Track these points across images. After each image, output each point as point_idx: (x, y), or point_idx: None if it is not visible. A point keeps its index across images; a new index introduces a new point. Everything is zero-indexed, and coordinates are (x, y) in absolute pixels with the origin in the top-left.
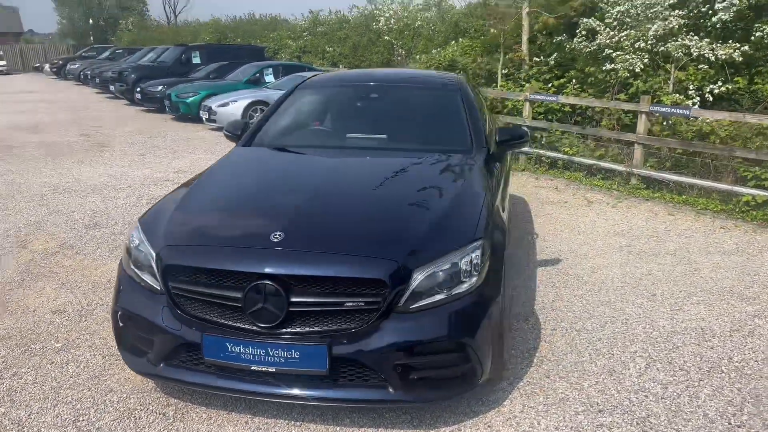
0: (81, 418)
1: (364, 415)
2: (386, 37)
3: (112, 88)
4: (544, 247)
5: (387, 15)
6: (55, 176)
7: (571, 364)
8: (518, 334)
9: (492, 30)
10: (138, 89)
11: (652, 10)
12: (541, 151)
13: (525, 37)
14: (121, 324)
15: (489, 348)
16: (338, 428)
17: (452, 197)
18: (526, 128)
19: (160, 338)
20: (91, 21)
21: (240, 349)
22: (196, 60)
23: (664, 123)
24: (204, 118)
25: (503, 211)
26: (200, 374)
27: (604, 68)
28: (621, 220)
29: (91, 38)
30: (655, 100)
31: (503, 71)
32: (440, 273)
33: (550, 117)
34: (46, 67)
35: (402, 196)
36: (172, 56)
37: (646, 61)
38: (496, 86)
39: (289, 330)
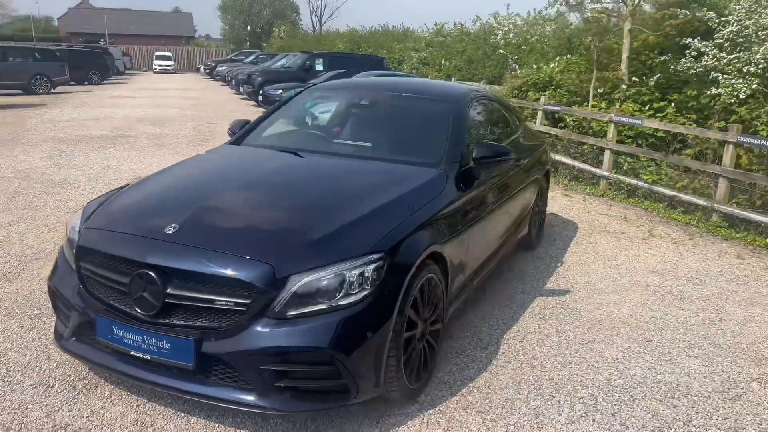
0: (5, 379)
1: (241, 414)
2: (501, 51)
3: (241, 89)
4: (562, 275)
5: (506, 29)
6: (143, 164)
7: (501, 400)
8: (463, 361)
9: (591, 46)
10: (261, 91)
11: (765, 32)
12: (622, 177)
13: (624, 56)
14: (51, 299)
15: (370, 367)
16: (221, 427)
17: (374, 207)
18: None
19: (72, 314)
20: (249, 28)
21: (123, 333)
22: (319, 67)
23: (759, 157)
24: None
25: (486, 230)
26: (97, 352)
27: (708, 93)
28: (672, 257)
29: (248, 44)
30: (750, 130)
31: (599, 90)
32: (323, 282)
33: (640, 142)
34: (201, 68)
35: (322, 200)
36: (298, 62)
37: (754, 86)
38: (587, 105)
39: (164, 321)
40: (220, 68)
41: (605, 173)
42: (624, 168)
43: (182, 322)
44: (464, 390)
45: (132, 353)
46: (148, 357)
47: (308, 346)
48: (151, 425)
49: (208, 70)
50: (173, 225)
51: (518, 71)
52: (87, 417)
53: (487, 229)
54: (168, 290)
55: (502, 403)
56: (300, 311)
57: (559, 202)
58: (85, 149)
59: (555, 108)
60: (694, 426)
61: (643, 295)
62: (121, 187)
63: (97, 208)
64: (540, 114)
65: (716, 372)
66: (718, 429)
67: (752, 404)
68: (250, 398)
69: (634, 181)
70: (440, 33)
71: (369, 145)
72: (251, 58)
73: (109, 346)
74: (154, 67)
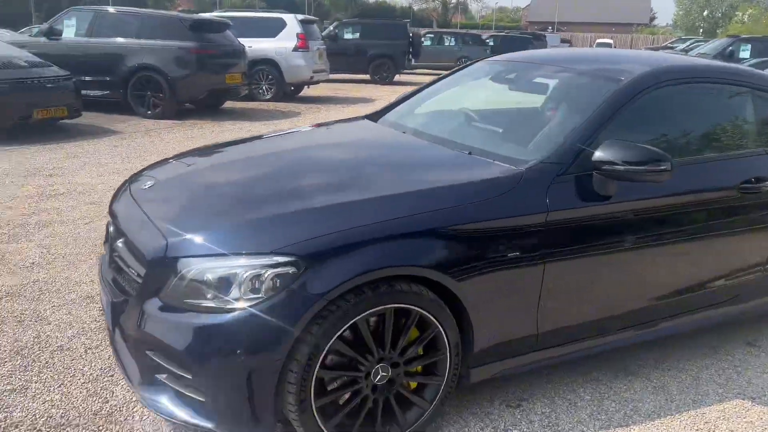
0: None
1: None
2: None
3: None
4: None
5: None
6: None
7: None
8: None
9: None
10: None
11: None
12: None
13: None
14: None
15: (239, 395)
16: None
17: (349, 201)
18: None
19: None
20: (706, 12)
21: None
22: (744, 53)
23: None
24: None
25: (611, 276)
26: None
27: None
28: None
29: (701, 30)
30: None
31: None
32: (210, 275)
33: None
34: None
35: (300, 185)
36: (716, 48)
37: None
38: None
39: (114, 276)
40: None
41: None
42: None
43: (119, 282)
44: None
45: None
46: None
47: (167, 344)
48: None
49: None
50: (150, 182)
51: None
52: None
53: (614, 274)
54: (114, 244)
55: None
56: (185, 301)
57: None
58: None
59: None
60: None
61: None
62: None
63: None
64: None
65: None
66: None
67: None
68: (134, 380)
69: None
70: None
71: (500, 130)
72: (685, 45)
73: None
74: None
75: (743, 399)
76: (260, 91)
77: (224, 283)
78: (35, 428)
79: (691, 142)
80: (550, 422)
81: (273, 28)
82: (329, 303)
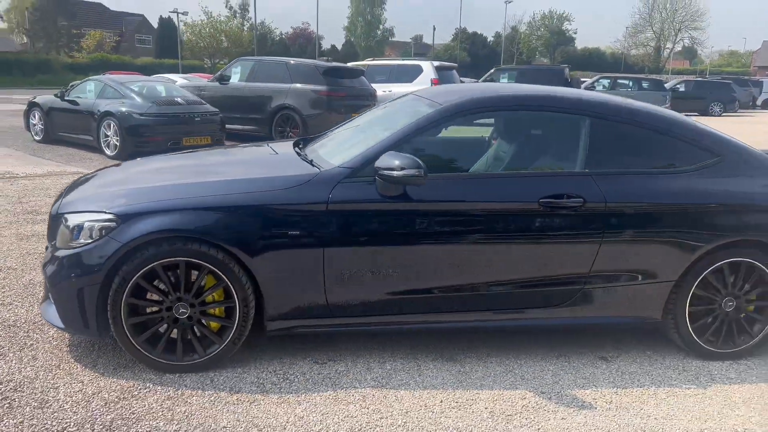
0: None
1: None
2: None
3: None
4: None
5: None
6: None
7: None
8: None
9: None
10: None
11: None
12: None
13: None
14: None
15: (72, 306)
16: None
17: (178, 184)
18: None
19: None
20: None
21: None
22: None
23: None
24: None
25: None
26: None
27: None
28: None
29: None
30: None
31: None
32: (71, 224)
33: None
34: None
35: (178, 174)
36: None
37: None
38: None
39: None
40: None
41: None
42: None
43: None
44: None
45: None
46: None
47: (47, 271)
48: None
49: None
50: (90, 176)
51: None
52: None
53: (394, 264)
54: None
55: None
56: (68, 244)
57: None
58: None
59: None
60: None
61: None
62: None
63: None
64: None
65: None
66: None
67: None
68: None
69: None
70: None
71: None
72: None
73: None
74: None
75: (528, 390)
76: None
77: (77, 230)
78: None
79: (487, 160)
80: (335, 376)
81: (412, 74)
82: (133, 249)
